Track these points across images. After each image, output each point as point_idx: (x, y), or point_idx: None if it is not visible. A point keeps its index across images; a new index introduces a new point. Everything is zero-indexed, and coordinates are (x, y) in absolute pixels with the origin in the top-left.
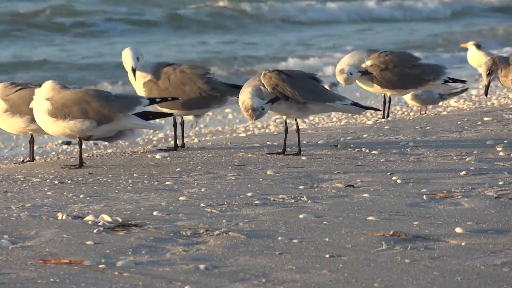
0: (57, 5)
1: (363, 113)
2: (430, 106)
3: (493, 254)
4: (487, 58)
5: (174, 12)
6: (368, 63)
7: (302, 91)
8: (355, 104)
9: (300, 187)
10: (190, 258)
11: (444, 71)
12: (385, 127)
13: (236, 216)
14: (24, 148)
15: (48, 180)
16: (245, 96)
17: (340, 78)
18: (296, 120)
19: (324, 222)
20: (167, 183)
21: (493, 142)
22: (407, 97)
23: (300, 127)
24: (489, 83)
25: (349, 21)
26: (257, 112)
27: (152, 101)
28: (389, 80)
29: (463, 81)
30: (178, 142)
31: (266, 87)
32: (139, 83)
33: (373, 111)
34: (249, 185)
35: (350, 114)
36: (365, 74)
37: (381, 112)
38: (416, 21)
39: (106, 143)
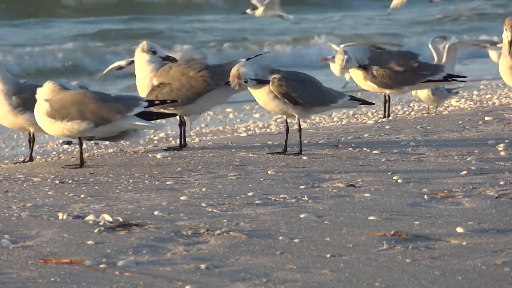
0: None
1: (358, 106)
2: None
3: (494, 254)
4: None
5: None
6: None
7: (310, 97)
8: (352, 98)
9: (301, 186)
10: (191, 258)
11: (442, 68)
12: (386, 127)
13: (237, 216)
14: (24, 147)
15: (49, 180)
16: (239, 64)
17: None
18: (298, 120)
19: (325, 222)
20: (168, 182)
21: (494, 142)
22: (425, 96)
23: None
24: None
25: None
26: (241, 80)
27: (151, 103)
28: (386, 79)
29: (463, 77)
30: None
31: (276, 94)
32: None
33: (373, 110)
34: (250, 185)
35: (351, 113)
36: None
37: (382, 112)
38: None
39: (107, 142)
